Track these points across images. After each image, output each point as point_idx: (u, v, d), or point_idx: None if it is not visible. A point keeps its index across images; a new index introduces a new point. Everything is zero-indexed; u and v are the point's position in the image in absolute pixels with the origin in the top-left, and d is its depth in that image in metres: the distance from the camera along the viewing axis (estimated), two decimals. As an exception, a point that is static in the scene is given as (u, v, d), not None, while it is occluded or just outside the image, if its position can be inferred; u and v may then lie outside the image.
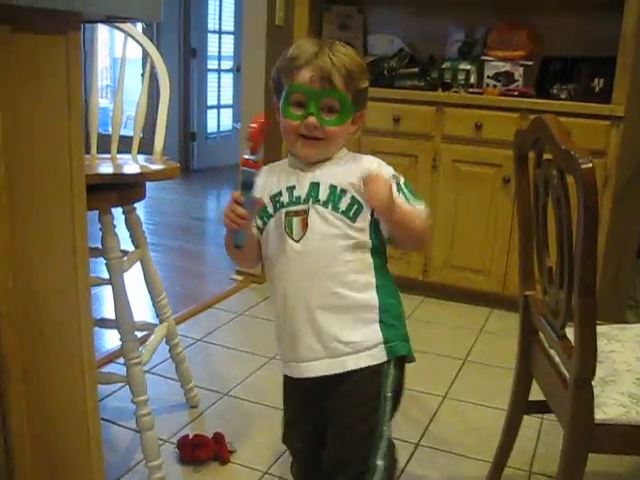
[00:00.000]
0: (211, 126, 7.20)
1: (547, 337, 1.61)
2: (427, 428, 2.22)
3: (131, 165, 1.91)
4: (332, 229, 1.34)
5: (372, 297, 1.36)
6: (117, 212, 1.82)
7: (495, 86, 3.24)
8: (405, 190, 1.37)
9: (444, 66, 3.36)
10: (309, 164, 1.39)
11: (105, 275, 1.80)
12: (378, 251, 1.39)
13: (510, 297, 3.07)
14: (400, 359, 1.40)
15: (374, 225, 1.37)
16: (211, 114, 7.17)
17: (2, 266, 1.10)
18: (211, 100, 7.14)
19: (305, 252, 1.34)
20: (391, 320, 1.38)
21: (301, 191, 1.36)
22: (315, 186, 1.36)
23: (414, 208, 1.35)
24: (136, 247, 1.98)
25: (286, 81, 1.36)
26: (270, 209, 1.39)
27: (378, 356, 1.36)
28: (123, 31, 2.01)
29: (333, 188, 1.34)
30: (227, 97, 7.39)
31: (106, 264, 1.76)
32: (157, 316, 2.11)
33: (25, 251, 1.14)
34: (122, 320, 1.76)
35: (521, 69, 3.21)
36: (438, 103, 3.19)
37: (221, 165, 6.93)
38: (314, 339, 1.36)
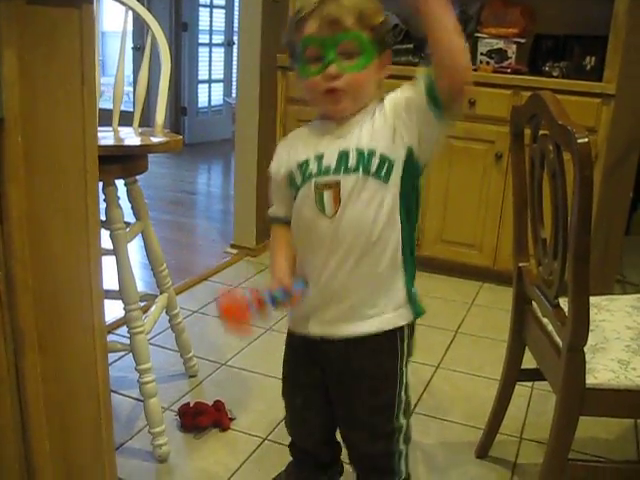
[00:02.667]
0: (202, 100, 7.18)
1: (540, 306, 1.66)
2: (421, 397, 2.28)
3: (133, 138, 1.94)
4: (366, 198, 1.27)
5: (400, 266, 1.33)
6: (119, 184, 1.85)
7: (488, 63, 3.27)
8: None
9: (438, 42, 3.38)
10: (337, 124, 1.31)
11: (108, 246, 1.83)
12: (409, 213, 1.32)
13: (501, 271, 3.13)
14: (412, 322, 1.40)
15: (407, 177, 1.29)
16: (202, 88, 7.16)
17: (19, 235, 1.14)
18: (202, 74, 7.12)
19: (339, 230, 1.28)
20: (410, 283, 1.36)
21: (330, 160, 1.28)
22: (344, 154, 1.28)
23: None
24: (138, 219, 2.01)
25: (296, 38, 1.28)
26: (298, 179, 1.32)
27: (401, 317, 1.35)
28: (124, 4, 2.02)
29: (360, 152, 1.26)
30: (218, 71, 7.37)
31: (110, 235, 1.79)
32: (158, 286, 2.15)
33: (41, 221, 1.18)
34: (126, 290, 1.80)
35: (514, 46, 3.23)
36: (432, 79, 3.21)
37: (212, 139, 6.95)
38: (345, 306, 1.33)
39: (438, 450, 2.01)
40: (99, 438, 1.42)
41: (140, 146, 1.82)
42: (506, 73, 3.17)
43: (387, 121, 1.28)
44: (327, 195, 1.28)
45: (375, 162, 1.26)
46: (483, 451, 1.99)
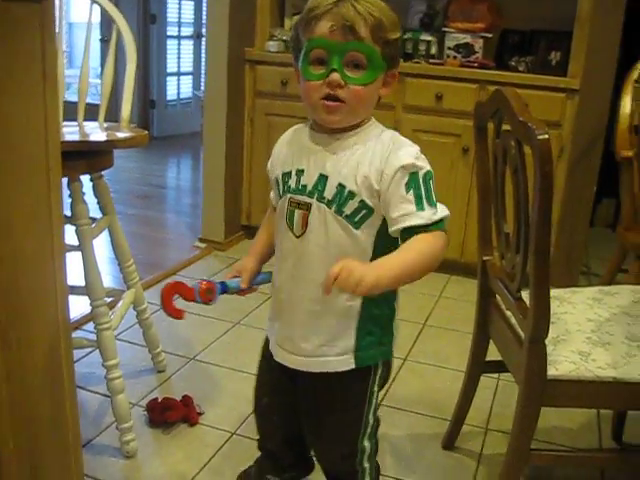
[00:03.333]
0: (171, 93, 7.14)
1: (504, 299, 1.69)
2: (388, 389, 2.30)
3: (99, 133, 1.92)
4: (331, 234, 1.22)
5: (357, 305, 1.28)
6: (84, 179, 1.84)
7: (455, 57, 3.30)
8: (421, 188, 1.20)
9: (406, 37, 3.40)
10: (328, 138, 1.25)
11: (74, 242, 1.82)
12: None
13: (468, 263, 3.16)
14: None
15: (382, 232, 1.23)
16: (171, 81, 7.11)
17: (-18, 233, 1.13)
18: (171, 67, 7.07)
19: (302, 252, 1.26)
20: (373, 328, 1.32)
21: (309, 180, 1.24)
22: (323, 179, 1.22)
23: (409, 246, 1.16)
24: (104, 214, 1.99)
25: (304, 37, 1.20)
26: (280, 188, 1.30)
27: (343, 364, 1.31)
28: (89, -3, 2.01)
29: (341, 188, 1.21)
30: (187, 64, 7.33)
31: (75, 230, 1.78)
32: (125, 282, 2.14)
33: (3, 219, 1.17)
34: (93, 286, 1.79)
35: (481, 41, 3.27)
36: (400, 73, 3.22)
37: (181, 132, 6.91)
38: (303, 338, 1.31)
39: (405, 442, 2.04)
40: (65, 435, 1.42)
41: (106, 142, 1.81)
42: (473, 67, 3.20)
43: (380, 177, 1.20)
44: (297, 215, 1.25)
45: (352, 205, 1.21)
46: (449, 442, 2.02)
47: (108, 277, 2.63)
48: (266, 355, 1.45)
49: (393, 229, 1.19)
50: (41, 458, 1.36)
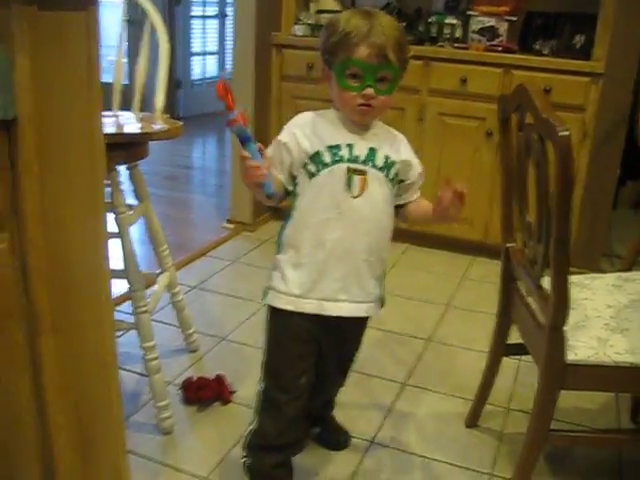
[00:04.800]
0: (196, 73, 7.18)
1: (525, 286, 1.75)
2: (413, 369, 2.38)
3: (134, 124, 2.00)
4: (384, 193, 1.56)
5: (386, 258, 1.63)
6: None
7: (480, 41, 3.32)
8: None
9: (430, 20, 3.43)
10: (357, 127, 1.54)
11: (111, 227, 1.90)
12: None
13: (492, 245, 3.21)
14: None
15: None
16: (196, 61, 7.15)
17: (33, 226, 1.21)
18: (196, 47, 7.12)
19: (361, 209, 1.53)
20: (383, 280, 1.67)
21: (360, 152, 1.52)
22: (373, 151, 1.53)
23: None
24: (140, 201, 2.08)
25: (342, 54, 1.46)
26: (327, 158, 1.51)
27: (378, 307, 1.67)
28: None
29: (387, 158, 1.54)
30: (212, 44, 7.37)
31: (115, 218, 1.86)
32: (159, 266, 2.23)
33: (53, 212, 1.25)
34: (131, 271, 1.88)
35: (505, 24, 3.29)
36: (425, 57, 3.26)
37: (207, 112, 6.96)
38: (357, 285, 1.57)
39: (430, 420, 2.12)
40: (110, 411, 1.51)
41: (141, 134, 1.88)
42: (497, 51, 3.23)
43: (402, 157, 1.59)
44: (356, 179, 1.51)
45: (393, 172, 1.57)
46: (472, 421, 2.09)
47: (140, 259, 2.71)
48: (295, 330, 1.62)
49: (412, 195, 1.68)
50: (88, 433, 1.45)
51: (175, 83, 6.87)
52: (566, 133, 1.35)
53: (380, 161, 1.54)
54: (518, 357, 2.40)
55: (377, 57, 1.44)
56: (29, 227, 1.21)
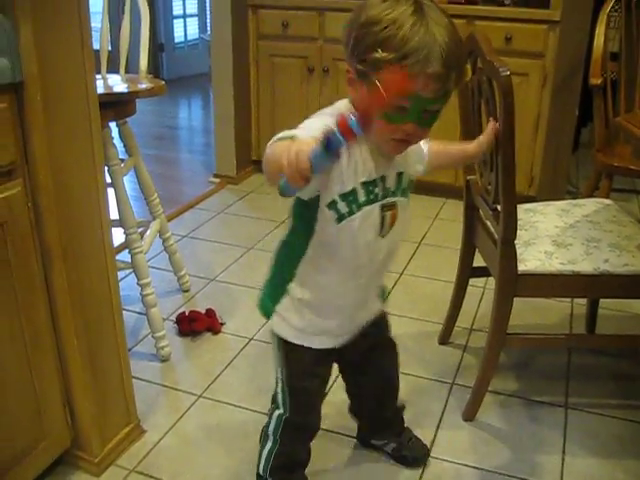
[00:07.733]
0: (178, 36, 7.31)
1: (484, 211, 1.97)
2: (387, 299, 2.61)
3: (121, 84, 2.19)
4: (407, 218, 1.35)
5: None
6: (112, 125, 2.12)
7: (444, -6, 3.49)
8: None
9: (397, -25, 3.58)
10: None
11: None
12: None
13: (461, 187, 3.41)
14: None
15: None
16: (177, 24, 7.28)
17: (42, 171, 1.44)
18: (177, 10, 7.23)
19: (386, 246, 1.34)
20: None
21: (391, 182, 1.29)
22: (400, 176, 1.31)
23: None
24: (130, 155, 2.29)
25: (393, 85, 1.12)
26: (362, 197, 1.24)
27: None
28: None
29: (409, 177, 1.34)
30: (192, 6, 7.48)
31: (108, 170, 2.06)
32: (150, 214, 2.44)
33: (58, 160, 1.47)
34: (125, 217, 2.09)
35: (468, -23, 3.45)
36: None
37: (190, 74, 7.10)
38: (365, 311, 1.49)
39: (407, 340, 2.35)
40: (115, 337, 1.74)
41: (128, 92, 2.08)
42: (460, 3, 3.40)
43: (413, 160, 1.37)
44: (388, 216, 1.30)
45: (412, 185, 1.36)
46: (444, 339, 2.35)
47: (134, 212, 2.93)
48: (312, 360, 1.46)
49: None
50: (97, 355, 1.69)
51: (158, 46, 6.99)
52: (507, 73, 1.55)
53: (405, 184, 1.32)
54: (482, 285, 2.64)
55: (435, 91, 1.12)
56: (39, 173, 1.44)
